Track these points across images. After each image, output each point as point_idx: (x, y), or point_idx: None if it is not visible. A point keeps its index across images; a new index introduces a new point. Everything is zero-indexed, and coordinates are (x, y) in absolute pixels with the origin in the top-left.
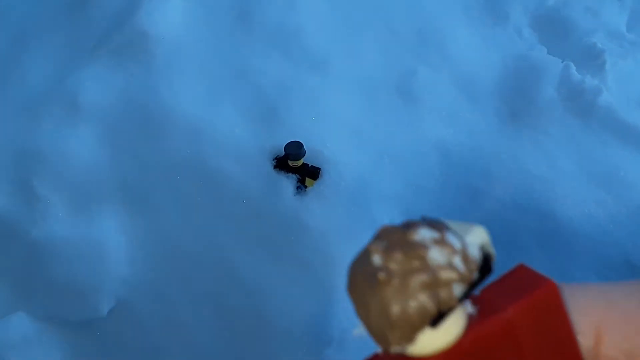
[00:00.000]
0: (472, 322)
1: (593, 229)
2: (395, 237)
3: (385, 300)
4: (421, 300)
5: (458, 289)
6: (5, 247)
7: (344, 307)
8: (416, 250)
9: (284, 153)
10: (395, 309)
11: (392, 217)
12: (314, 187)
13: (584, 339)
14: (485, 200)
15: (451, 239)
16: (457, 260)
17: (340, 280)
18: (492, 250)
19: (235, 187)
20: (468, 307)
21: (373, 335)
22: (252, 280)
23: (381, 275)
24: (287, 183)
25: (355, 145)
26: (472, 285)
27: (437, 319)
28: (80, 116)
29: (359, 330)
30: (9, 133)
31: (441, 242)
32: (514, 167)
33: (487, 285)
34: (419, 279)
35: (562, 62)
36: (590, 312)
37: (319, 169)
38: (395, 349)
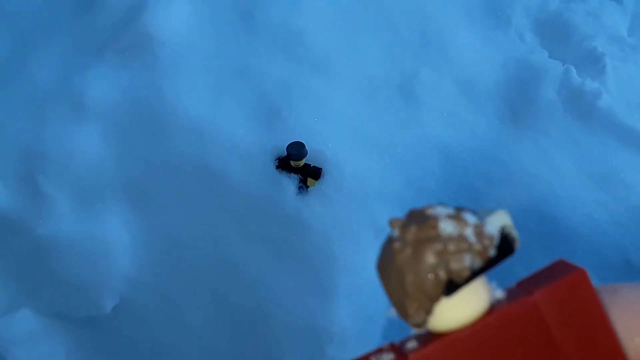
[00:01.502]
0: (500, 305)
1: (593, 230)
2: (414, 214)
3: (400, 269)
4: (432, 268)
5: (469, 260)
6: (11, 243)
7: (345, 305)
8: (429, 222)
9: (286, 153)
10: (409, 277)
11: (393, 216)
12: (316, 187)
13: None
14: (485, 201)
15: (466, 215)
16: (469, 233)
17: (342, 278)
18: (514, 232)
19: (237, 187)
20: (497, 293)
21: (396, 308)
22: (254, 278)
23: (396, 245)
24: (289, 183)
25: (357, 145)
26: (490, 262)
27: (450, 288)
28: (86, 115)
29: (390, 311)
30: (15, 131)
31: (454, 217)
32: (514, 168)
33: (524, 277)
34: (430, 247)
35: (563, 65)
36: None
37: (321, 169)
38: (415, 320)
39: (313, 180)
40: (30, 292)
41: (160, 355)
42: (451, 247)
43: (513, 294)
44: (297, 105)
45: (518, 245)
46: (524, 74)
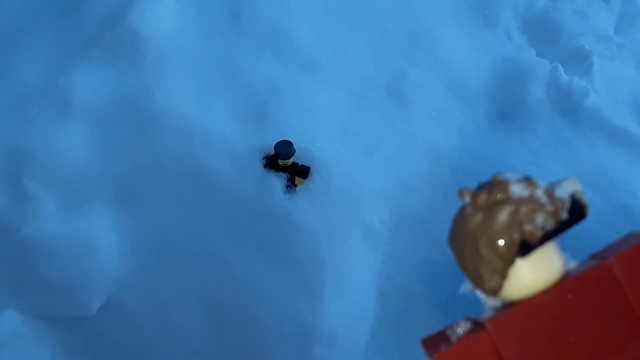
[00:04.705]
0: (575, 272)
1: (580, 229)
2: (483, 184)
3: (472, 234)
4: (505, 229)
5: (541, 220)
6: None
7: (333, 305)
8: (499, 185)
9: (274, 152)
10: (483, 240)
11: (381, 215)
12: (304, 186)
13: None
14: None
15: (536, 180)
16: (540, 193)
17: (330, 278)
18: (584, 198)
19: (225, 186)
20: (571, 263)
21: (470, 277)
22: (242, 278)
23: (468, 211)
24: (277, 182)
25: (345, 144)
26: (562, 225)
27: (525, 249)
28: (72, 115)
29: (465, 286)
30: (0, 131)
31: (524, 181)
32: (502, 167)
33: (597, 251)
34: (502, 210)
35: (551, 64)
36: None
37: (309, 168)
38: (491, 285)
39: (301, 179)
40: (15, 293)
41: (147, 356)
42: (523, 208)
43: (586, 263)
44: (285, 104)
45: (589, 211)
46: (512, 73)
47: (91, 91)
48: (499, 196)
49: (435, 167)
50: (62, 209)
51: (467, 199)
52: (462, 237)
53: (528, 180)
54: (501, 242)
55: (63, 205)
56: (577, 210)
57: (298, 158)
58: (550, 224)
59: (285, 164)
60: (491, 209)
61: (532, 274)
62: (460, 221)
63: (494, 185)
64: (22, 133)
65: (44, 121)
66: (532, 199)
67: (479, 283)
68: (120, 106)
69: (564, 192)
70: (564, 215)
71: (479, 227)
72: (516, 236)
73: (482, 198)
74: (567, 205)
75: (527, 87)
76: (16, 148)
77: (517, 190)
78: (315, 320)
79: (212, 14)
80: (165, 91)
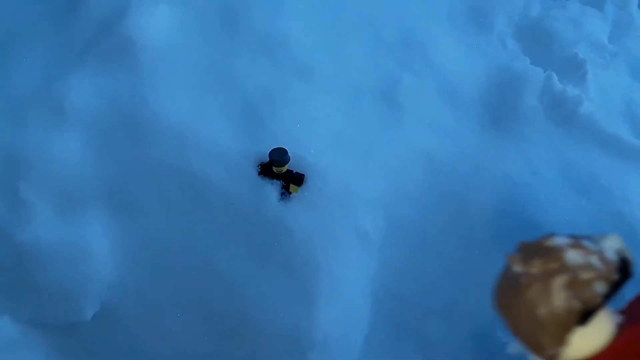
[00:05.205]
0: (623, 329)
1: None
2: (532, 247)
3: (530, 304)
4: (565, 299)
5: (600, 287)
6: None
7: (328, 311)
8: (553, 254)
9: (268, 159)
10: (542, 310)
11: (375, 222)
12: (298, 194)
13: None
14: (467, 207)
15: (586, 242)
16: (595, 260)
17: (324, 284)
18: (629, 254)
19: (220, 193)
20: (616, 317)
21: (527, 344)
22: (236, 285)
23: (523, 280)
24: (272, 189)
25: (340, 151)
26: (615, 286)
27: (584, 316)
28: (67, 121)
29: (514, 346)
30: None
31: (576, 246)
32: (496, 174)
33: (633, 298)
34: (560, 279)
35: (545, 72)
36: None
37: (303, 175)
38: (549, 353)
39: (296, 187)
40: (10, 300)
41: None
42: (582, 275)
43: (631, 316)
44: (279, 111)
45: (633, 267)
46: (506, 80)
47: (86, 97)
48: (554, 264)
49: (429, 174)
50: (57, 215)
51: (519, 266)
52: (518, 305)
53: (579, 245)
54: (562, 311)
55: (57, 212)
56: (624, 269)
57: (292, 165)
58: (606, 289)
59: (280, 171)
60: (548, 278)
61: (590, 338)
62: (511, 287)
63: (547, 253)
64: (16, 139)
65: (38, 127)
66: (588, 266)
67: (537, 350)
68: (114, 112)
69: (612, 252)
70: (616, 276)
71: (538, 297)
72: (577, 305)
73: (537, 266)
74: (617, 264)
75: (521, 94)
76: (11, 154)
77: (572, 257)
78: (310, 326)
79: (207, 20)
80: (160, 97)
